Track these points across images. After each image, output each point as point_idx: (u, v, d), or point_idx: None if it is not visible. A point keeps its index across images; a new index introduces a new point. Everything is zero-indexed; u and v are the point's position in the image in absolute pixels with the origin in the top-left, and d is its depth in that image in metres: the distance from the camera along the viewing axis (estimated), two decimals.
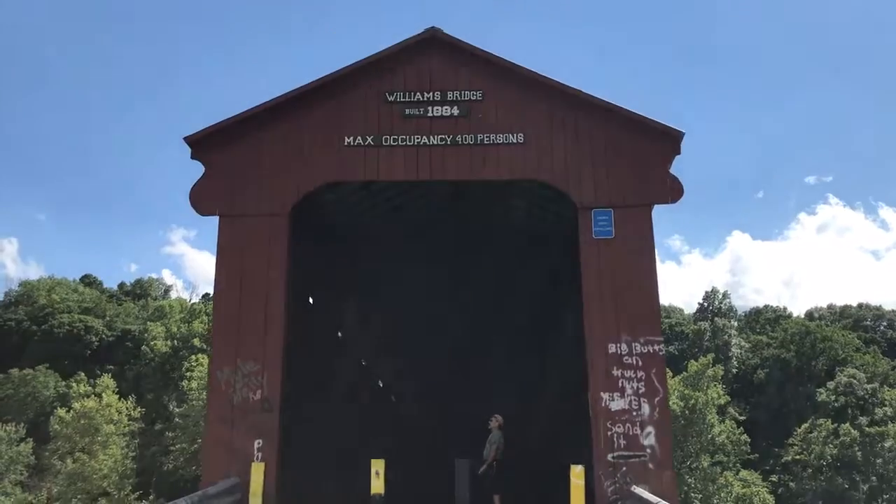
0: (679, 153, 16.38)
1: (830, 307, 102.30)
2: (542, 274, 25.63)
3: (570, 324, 21.05)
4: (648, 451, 14.93)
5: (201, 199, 16.91)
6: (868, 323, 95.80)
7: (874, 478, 61.86)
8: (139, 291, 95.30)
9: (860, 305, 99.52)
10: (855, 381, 71.87)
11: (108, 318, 78.86)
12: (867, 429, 63.45)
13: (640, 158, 16.40)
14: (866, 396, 70.47)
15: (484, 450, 17.51)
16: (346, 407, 24.45)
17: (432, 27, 17.31)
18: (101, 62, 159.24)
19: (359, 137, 16.93)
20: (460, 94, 17.03)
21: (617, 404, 15.16)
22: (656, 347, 15.46)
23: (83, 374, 65.67)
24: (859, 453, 62.26)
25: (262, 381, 15.65)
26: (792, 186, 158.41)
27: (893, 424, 63.91)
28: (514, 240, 24.16)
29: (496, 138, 16.73)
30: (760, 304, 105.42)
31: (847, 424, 64.33)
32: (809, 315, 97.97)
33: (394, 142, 16.88)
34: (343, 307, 24.96)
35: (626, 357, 15.38)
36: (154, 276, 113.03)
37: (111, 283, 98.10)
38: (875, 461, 61.99)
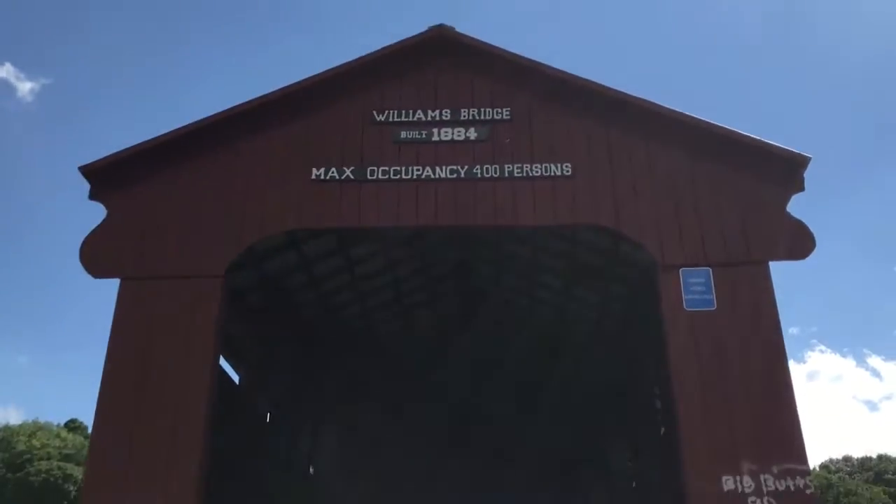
0: (802, 189, 11.16)
1: (847, 458, 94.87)
2: (581, 374, 19.53)
3: (622, 447, 15.05)
4: None
5: (98, 255, 11.49)
6: (890, 476, 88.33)
7: None
8: None
9: (880, 457, 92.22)
10: None
11: None
12: None
13: (747, 196, 11.16)
14: None
15: None
16: None
17: (440, 25, 12.56)
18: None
19: (332, 169, 11.74)
20: (479, 112, 12.03)
21: None
22: (801, 482, 9.55)
23: None
24: None
25: None
26: None
27: None
28: (547, 327, 18.42)
29: (532, 170, 11.52)
30: None
31: None
32: (826, 467, 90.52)
33: (383, 175, 11.67)
34: (313, 424, 18.95)
35: (753, 498, 9.49)
36: None
37: None
38: None
